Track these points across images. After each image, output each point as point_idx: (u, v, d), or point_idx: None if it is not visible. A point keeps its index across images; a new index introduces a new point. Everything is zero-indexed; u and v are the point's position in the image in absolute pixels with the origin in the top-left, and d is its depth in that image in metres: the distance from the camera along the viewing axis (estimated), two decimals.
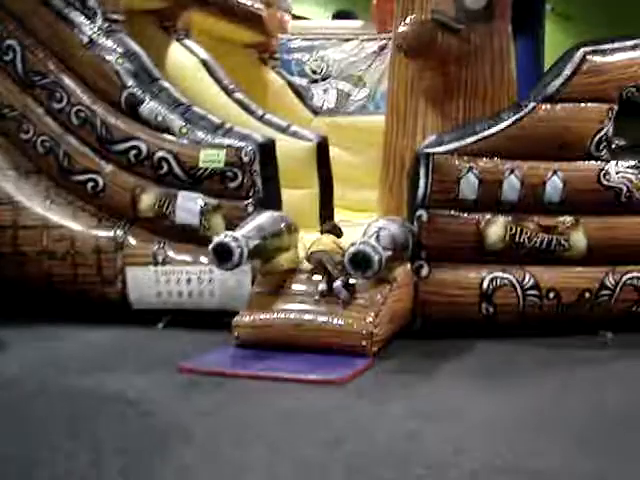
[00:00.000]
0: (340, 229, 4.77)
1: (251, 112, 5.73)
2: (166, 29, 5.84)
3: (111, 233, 5.00)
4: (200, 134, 4.92)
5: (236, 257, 4.24)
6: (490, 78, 5.35)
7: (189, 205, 4.88)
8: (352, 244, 4.19)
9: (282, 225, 4.63)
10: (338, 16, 10.74)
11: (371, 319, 4.24)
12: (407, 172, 5.00)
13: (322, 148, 5.73)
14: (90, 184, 5.04)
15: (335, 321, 4.27)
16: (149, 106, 4.98)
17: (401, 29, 4.90)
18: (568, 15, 11.83)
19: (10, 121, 5.15)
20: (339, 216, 5.98)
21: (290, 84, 7.37)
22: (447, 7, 5.14)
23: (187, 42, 5.88)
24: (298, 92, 7.38)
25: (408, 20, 4.88)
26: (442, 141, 4.70)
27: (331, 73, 8.74)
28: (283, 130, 5.69)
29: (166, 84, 5.10)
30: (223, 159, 4.82)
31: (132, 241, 4.98)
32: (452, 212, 4.61)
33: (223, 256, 4.27)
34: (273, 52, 7.39)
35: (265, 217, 4.61)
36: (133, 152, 4.94)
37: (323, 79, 8.79)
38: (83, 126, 5.04)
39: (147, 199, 4.95)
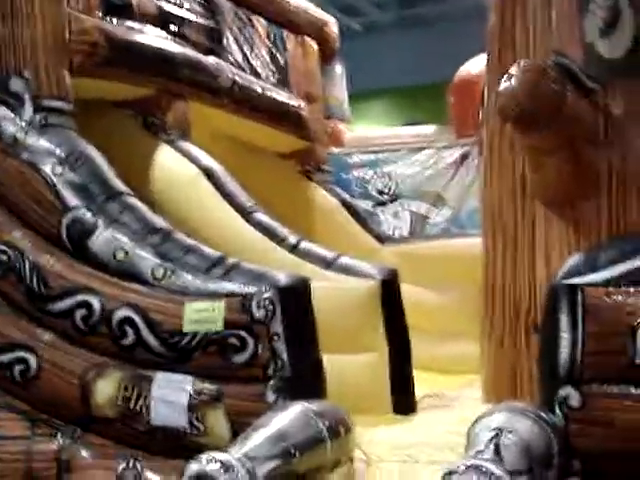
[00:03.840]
0: None
1: (279, 239, 3.81)
2: (150, 127, 4.01)
3: (51, 446, 3.07)
4: (185, 277, 3.00)
5: None
6: None
7: (171, 395, 2.94)
8: (448, 472, 2.13)
9: (321, 426, 2.63)
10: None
11: None
12: (534, 321, 2.99)
13: (390, 287, 3.75)
14: (18, 367, 3.13)
15: None
16: (104, 237, 3.09)
17: (505, 84, 2.95)
18: None
19: None
20: (422, 387, 4.00)
21: (346, 204, 5.49)
22: (573, 53, 3.22)
23: (182, 145, 4.02)
24: (357, 214, 5.50)
25: (515, 69, 2.94)
26: (595, 263, 2.69)
27: (402, 192, 7.12)
28: (328, 264, 3.76)
29: (132, 201, 3.21)
30: (222, 316, 2.89)
31: (84, 456, 3.04)
32: (625, 389, 2.56)
33: None
34: (320, 163, 5.54)
35: (292, 415, 2.63)
36: (80, 312, 3.04)
37: (392, 200, 7.18)
38: (6, 276, 3.16)
39: (105, 388, 3.02)
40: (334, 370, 3.23)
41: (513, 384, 3.39)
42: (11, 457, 3.10)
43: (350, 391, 3.33)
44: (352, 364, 3.52)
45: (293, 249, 3.80)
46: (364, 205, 6.86)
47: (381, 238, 5.45)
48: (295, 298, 2.95)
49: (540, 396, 2.70)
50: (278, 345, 2.86)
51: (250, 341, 2.87)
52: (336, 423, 2.72)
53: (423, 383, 4.13)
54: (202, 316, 2.91)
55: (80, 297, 3.05)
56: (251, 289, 2.91)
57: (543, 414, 2.55)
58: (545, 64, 3.00)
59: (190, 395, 2.92)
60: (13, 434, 3.12)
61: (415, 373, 3.93)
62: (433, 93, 8.81)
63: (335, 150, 6.85)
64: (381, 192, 7.13)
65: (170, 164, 3.91)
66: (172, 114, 4.06)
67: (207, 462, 2.28)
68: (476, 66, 6.48)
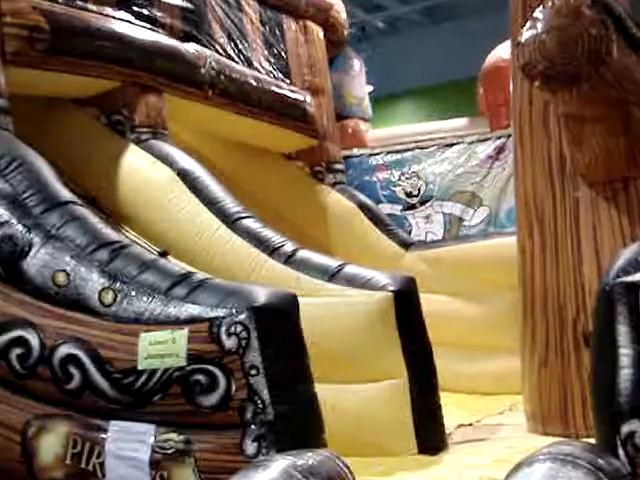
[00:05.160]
0: None
1: (271, 249, 3.19)
2: (115, 125, 3.42)
3: None
4: (140, 301, 2.40)
5: None
6: None
7: (129, 450, 2.35)
8: None
9: None
10: None
11: None
12: (584, 332, 2.35)
13: (407, 299, 3.10)
14: None
15: None
16: (41, 256, 2.50)
17: (528, 32, 2.27)
18: None
19: None
20: (457, 412, 3.40)
21: (364, 207, 4.88)
22: None
23: (154, 144, 3.43)
24: (377, 218, 4.88)
25: (541, 11, 2.27)
26: None
27: (433, 193, 6.49)
28: (331, 275, 3.13)
29: (78, 210, 2.61)
30: (184, 348, 2.28)
31: None
32: None
33: None
34: (332, 163, 4.92)
35: (272, 474, 2.01)
36: (16, 351, 2.46)
37: (422, 202, 6.54)
38: None
39: (50, 445, 2.43)
40: (341, 404, 2.67)
41: (562, 410, 2.76)
42: None
43: (362, 429, 2.74)
44: (364, 395, 2.90)
45: (288, 259, 3.18)
46: (392, 209, 6.28)
47: (406, 243, 4.83)
48: (277, 320, 2.33)
49: (597, 433, 2.06)
50: (257, 381, 2.25)
51: (221, 378, 2.26)
52: (332, 476, 2.09)
53: (458, 408, 3.54)
54: (161, 349, 2.31)
55: (15, 333, 2.47)
56: (220, 312, 2.30)
57: (601, 460, 1.89)
58: (580, 2, 2.33)
59: (152, 449, 2.31)
60: None
61: (449, 396, 3.33)
62: (465, 90, 8.18)
63: (356, 151, 6.28)
64: (409, 194, 6.52)
65: (139, 166, 3.33)
66: (144, 110, 3.45)
67: None
68: (508, 51, 5.89)
